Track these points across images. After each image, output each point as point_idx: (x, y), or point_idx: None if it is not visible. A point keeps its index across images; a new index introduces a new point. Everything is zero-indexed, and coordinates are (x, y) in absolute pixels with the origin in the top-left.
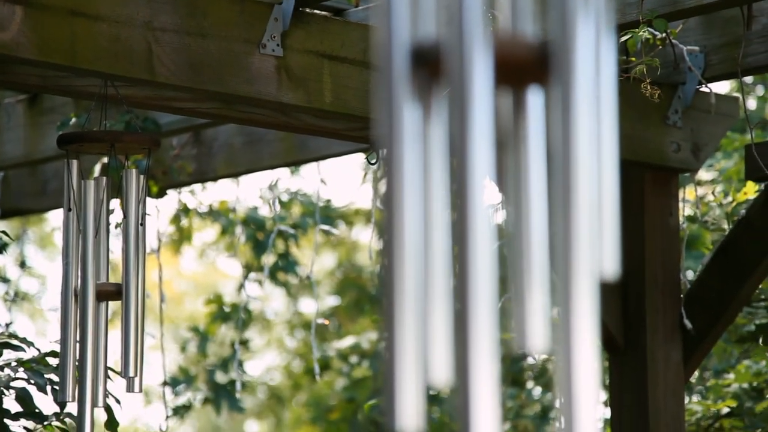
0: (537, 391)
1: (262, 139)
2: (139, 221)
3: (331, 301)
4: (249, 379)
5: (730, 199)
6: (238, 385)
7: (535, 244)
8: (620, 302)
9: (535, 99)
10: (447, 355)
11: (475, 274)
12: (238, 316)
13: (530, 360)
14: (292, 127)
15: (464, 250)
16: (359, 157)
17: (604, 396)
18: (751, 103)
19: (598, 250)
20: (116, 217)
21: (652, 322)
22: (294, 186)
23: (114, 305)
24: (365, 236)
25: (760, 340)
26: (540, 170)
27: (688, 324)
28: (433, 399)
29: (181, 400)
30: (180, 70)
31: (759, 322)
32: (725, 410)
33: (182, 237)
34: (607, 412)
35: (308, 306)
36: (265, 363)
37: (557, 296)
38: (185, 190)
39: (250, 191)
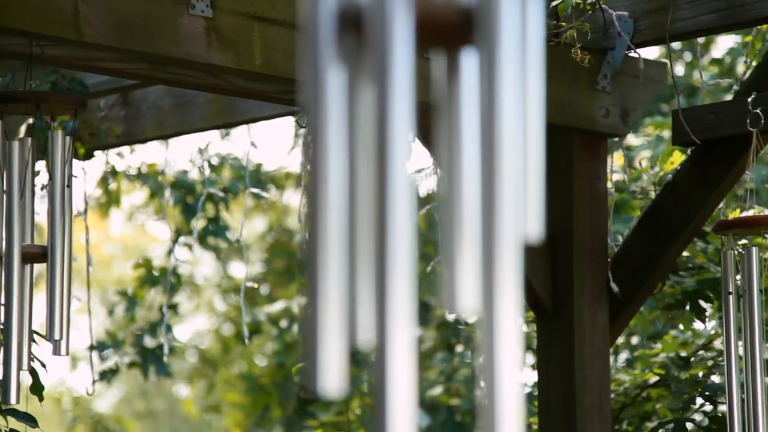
0: (468, 354)
1: (192, 102)
2: (66, 183)
3: (261, 265)
4: (178, 344)
5: (657, 168)
6: (166, 350)
7: (466, 207)
8: (548, 266)
9: (467, 62)
10: (370, 318)
11: (394, 237)
12: (167, 280)
13: (461, 323)
14: (222, 89)
15: (384, 214)
16: (290, 120)
17: (531, 359)
18: (679, 69)
19: (524, 214)
20: (42, 178)
21: (580, 285)
22: (224, 149)
23: (40, 268)
24: (296, 200)
25: (687, 307)
26: (472, 133)
27: (614, 288)
28: (359, 362)
29: (108, 364)
30: (107, 30)
31: (686, 289)
32: (653, 380)
33: (110, 200)
34: (534, 375)
35: (238, 270)
36: (194, 327)
37: (485, 259)
38: (113, 152)
39: (179, 154)
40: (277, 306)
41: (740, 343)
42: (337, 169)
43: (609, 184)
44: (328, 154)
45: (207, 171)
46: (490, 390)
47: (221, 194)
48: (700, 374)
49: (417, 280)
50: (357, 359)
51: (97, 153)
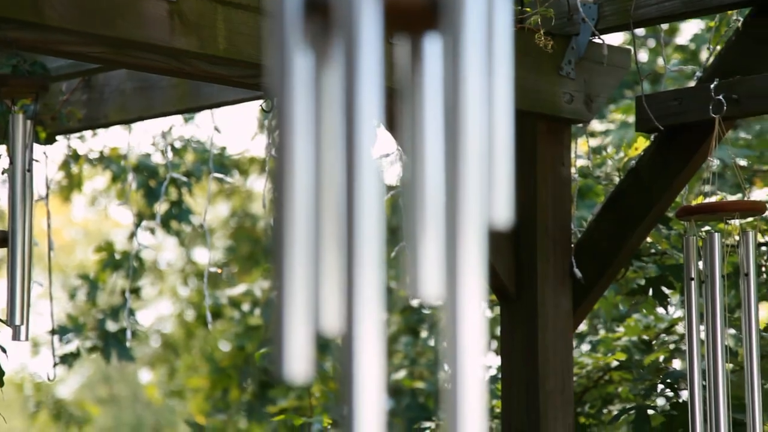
0: (432, 338)
1: (155, 86)
2: (26, 167)
3: (225, 250)
4: (140, 328)
5: (622, 154)
6: (129, 334)
7: (430, 192)
8: (512, 251)
9: (432, 47)
10: (337, 304)
11: (361, 223)
12: (129, 264)
13: (425, 309)
14: (185, 73)
15: (351, 199)
16: (254, 105)
17: (495, 343)
18: (643, 56)
19: (490, 199)
20: (2, 163)
21: (543, 270)
22: (187, 133)
23: (0, 253)
24: (260, 185)
25: (650, 292)
26: (436, 119)
27: (577, 273)
28: (324, 348)
29: (69, 348)
30: (69, 13)
31: (649, 275)
32: (615, 363)
33: (72, 184)
34: (497, 360)
35: (201, 255)
36: (157, 312)
37: (448, 244)
38: (75, 136)
39: (142, 138)
40: (239, 289)
41: (702, 328)
42: (303, 154)
43: (573, 170)
44: (293, 139)
45: (170, 155)
46: (453, 374)
47: (184, 178)
48: (662, 358)
49: (384, 265)
50: (321, 344)
51: (59, 137)
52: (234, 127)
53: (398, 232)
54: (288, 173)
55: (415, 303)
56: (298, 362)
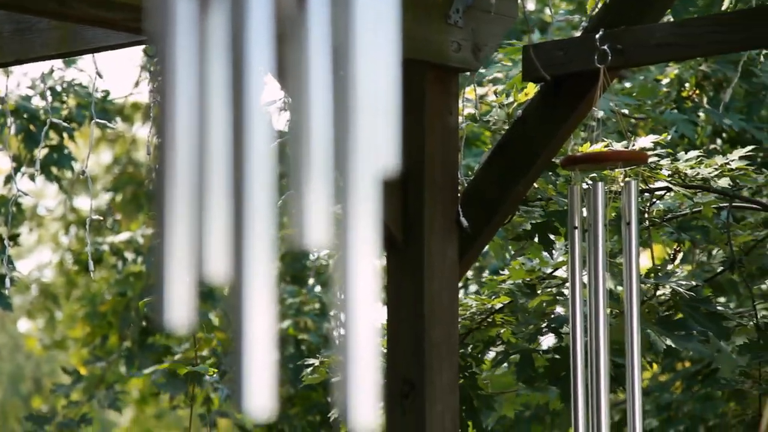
0: (318, 288)
1: (33, 28)
2: None
3: (108, 196)
4: (19, 275)
5: (511, 99)
6: (8, 282)
7: (317, 140)
8: (399, 200)
9: None
10: (223, 252)
11: (250, 170)
12: (8, 210)
13: (312, 257)
14: (66, 15)
15: (240, 146)
16: (138, 50)
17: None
18: (530, 5)
19: (378, 148)
20: None
21: (430, 219)
22: (69, 77)
23: None
24: (143, 132)
25: (536, 238)
26: (323, 65)
27: (464, 222)
28: (207, 296)
29: None
30: None
31: (535, 221)
32: (499, 305)
33: None
34: (384, 309)
35: (83, 202)
36: (37, 260)
37: (338, 193)
38: None
39: (21, 80)
40: (122, 237)
41: (584, 274)
42: (187, 101)
43: (460, 119)
44: (177, 85)
45: (50, 98)
46: (345, 323)
47: (66, 124)
48: (545, 302)
49: (274, 213)
50: (206, 293)
51: None
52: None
53: (285, 180)
54: (172, 120)
55: (302, 251)
56: (180, 310)
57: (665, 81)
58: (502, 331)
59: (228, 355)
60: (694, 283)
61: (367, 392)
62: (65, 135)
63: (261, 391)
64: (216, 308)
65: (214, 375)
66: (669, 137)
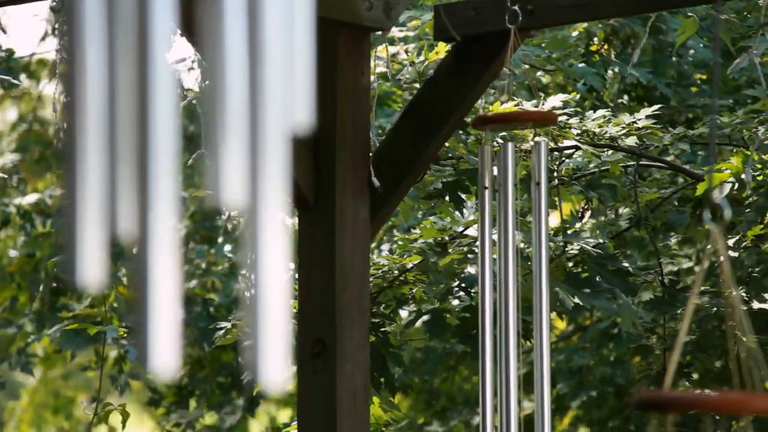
0: (227, 248)
1: None
2: None
3: (13, 156)
4: None
5: (422, 58)
6: None
7: (229, 98)
8: (311, 159)
9: None
10: (131, 211)
11: (156, 129)
12: None
13: (223, 216)
14: None
15: (146, 104)
16: (44, 5)
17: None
18: None
19: (290, 107)
20: None
21: (342, 179)
22: None
23: None
24: (50, 89)
25: (447, 197)
26: (235, 23)
27: (376, 182)
28: (119, 255)
29: None
30: None
31: (446, 180)
32: (410, 265)
33: None
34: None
35: None
36: None
37: (249, 152)
38: None
39: None
40: (29, 198)
41: (494, 234)
42: (95, 58)
43: (372, 78)
44: (84, 42)
45: None
46: (254, 283)
47: None
48: (456, 261)
49: (179, 172)
50: (115, 251)
51: None
52: (22, 28)
53: (197, 139)
54: (80, 78)
55: (212, 210)
56: (91, 269)
57: (575, 34)
58: (414, 289)
59: (132, 313)
60: (601, 240)
61: (277, 352)
62: None
63: (165, 349)
64: (126, 266)
65: (124, 335)
66: (578, 94)
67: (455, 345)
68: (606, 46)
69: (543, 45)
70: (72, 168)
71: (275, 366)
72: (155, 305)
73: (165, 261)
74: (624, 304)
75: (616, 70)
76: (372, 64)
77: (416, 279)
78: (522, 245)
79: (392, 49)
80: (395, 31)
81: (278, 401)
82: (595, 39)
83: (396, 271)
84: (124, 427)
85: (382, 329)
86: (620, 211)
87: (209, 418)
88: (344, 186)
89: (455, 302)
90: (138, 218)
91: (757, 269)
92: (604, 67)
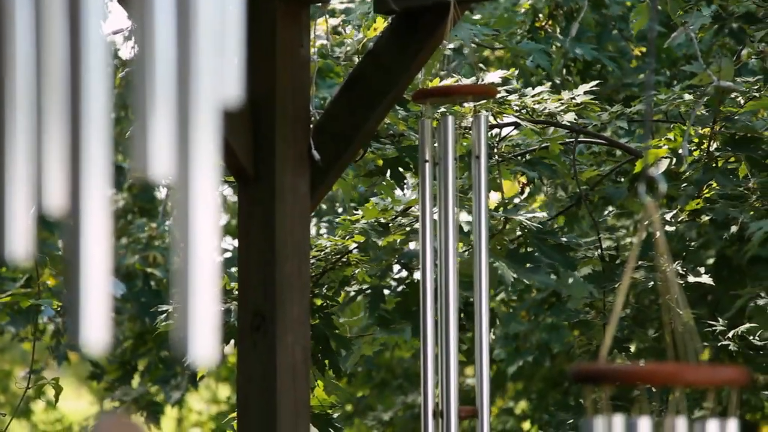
0: (169, 222)
1: None
2: None
3: None
4: None
5: (361, 35)
6: None
7: (161, 69)
8: (250, 132)
9: None
10: (61, 183)
11: (88, 98)
12: None
13: (161, 189)
14: None
15: (77, 73)
16: None
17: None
18: None
19: (222, 78)
20: None
21: (281, 152)
22: None
23: None
24: None
25: (388, 174)
26: None
27: (316, 155)
28: (52, 228)
29: None
30: None
31: (386, 157)
32: (353, 246)
33: None
34: (235, 242)
35: None
36: None
37: (180, 123)
38: None
39: None
40: None
41: (435, 209)
42: (24, 26)
43: (312, 51)
44: (13, 9)
45: None
46: (185, 255)
47: None
48: (398, 240)
49: (112, 142)
50: (48, 224)
51: None
52: None
53: (130, 110)
54: (7, 45)
55: (151, 183)
56: (20, 242)
57: (522, 11)
58: (357, 271)
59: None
60: (543, 214)
61: (207, 325)
62: None
63: (97, 323)
64: (58, 238)
65: (58, 308)
66: (518, 71)
67: (396, 328)
68: (551, 22)
69: (491, 24)
70: (0, 139)
71: (204, 338)
72: (86, 278)
73: (97, 232)
74: (575, 281)
75: (559, 45)
76: (312, 36)
77: (358, 261)
78: (463, 222)
79: (332, 21)
80: (335, 3)
81: (218, 376)
82: (541, 15)
83: (338, 255)
84: (57, 401)
85: (326, 310)
86: (568, 189)
87: (154, 392)
88: (284, 159)
89: (394, 281)
90: (69, 189)
91: (693, 243)
92: (549, 43)
